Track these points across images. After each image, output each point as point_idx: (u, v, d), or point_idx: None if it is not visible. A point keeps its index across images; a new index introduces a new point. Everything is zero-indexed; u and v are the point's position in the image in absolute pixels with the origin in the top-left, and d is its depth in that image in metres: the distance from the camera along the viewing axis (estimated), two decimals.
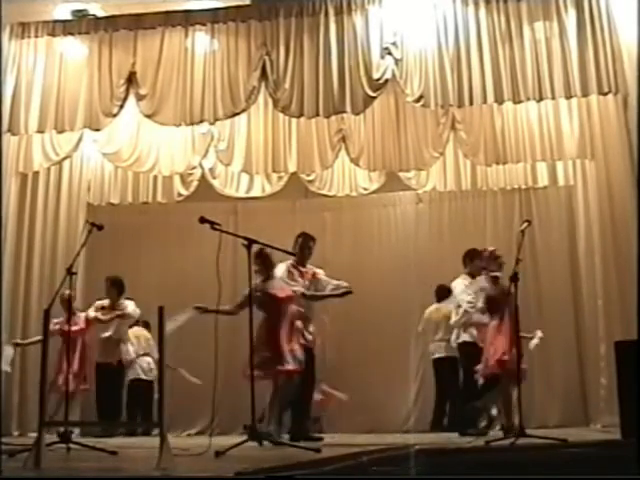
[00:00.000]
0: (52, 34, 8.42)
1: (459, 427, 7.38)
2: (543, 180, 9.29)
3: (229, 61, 8.09)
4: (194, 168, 9.38)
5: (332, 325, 8.84)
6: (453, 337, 7.93)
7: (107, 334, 8.54)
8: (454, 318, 7.70)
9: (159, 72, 8.14)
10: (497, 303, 6.60)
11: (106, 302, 8.47)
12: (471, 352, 7.32)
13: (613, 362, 5.91)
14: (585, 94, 7.63)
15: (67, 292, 6.28)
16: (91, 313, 8.21)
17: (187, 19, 8.23)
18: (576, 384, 8.86)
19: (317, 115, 7.99)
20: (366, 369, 9.26)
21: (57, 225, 9.12)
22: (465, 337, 7.69)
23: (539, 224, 9.27)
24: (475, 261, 7.47)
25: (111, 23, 8.32)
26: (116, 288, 8.48)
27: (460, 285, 7.66)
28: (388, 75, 7.82)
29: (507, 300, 6.27)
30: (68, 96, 8.25)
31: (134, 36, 8.23)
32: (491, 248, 6.98)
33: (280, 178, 9.68)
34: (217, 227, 5.42)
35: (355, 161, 9.19)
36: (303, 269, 7.20)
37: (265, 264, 6.38)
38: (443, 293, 8.57)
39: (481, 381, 6.89)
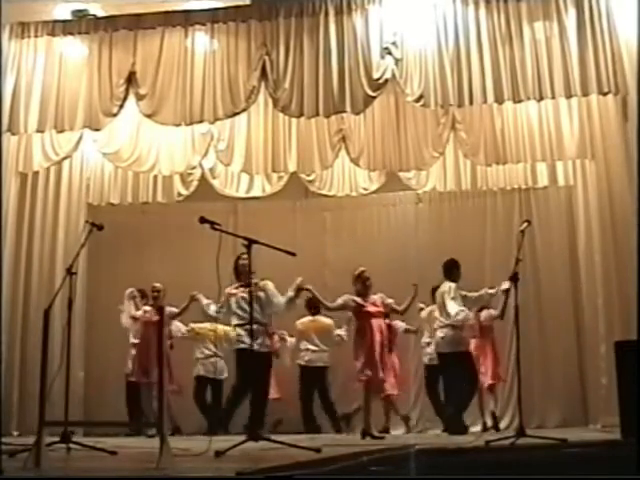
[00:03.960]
0: (52, 34, 8.40)
1: None
2: (543, 180, 9.27)
3: (229, 61, 8.08)
4: (194, 168, 9.38)
5: None
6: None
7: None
8: None
9: (159, 72, 8.13)
10: None
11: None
12: None
13: (613, 362, 5.91)
14: (585, 94, 7.61)
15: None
16: None
17: (187, 19, 8.22)
18: (576, 384, 8.85)
19: (317, 115, 7.98)
20: None
21: (57, 225, 9.11)
22: None
23: (539, 224, 9.26)
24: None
25: (111, 23, 8.31)
26: None
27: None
28: (388, 75, 7.81)
29: None
30: (68, 96, 8.24)
31: (134, 36, 8.21)
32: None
33: (280, 178, 9.68)
34: (217, 227, 5.42)
35: (355, 161, 9.19)
36: None
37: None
38: None
39: None
